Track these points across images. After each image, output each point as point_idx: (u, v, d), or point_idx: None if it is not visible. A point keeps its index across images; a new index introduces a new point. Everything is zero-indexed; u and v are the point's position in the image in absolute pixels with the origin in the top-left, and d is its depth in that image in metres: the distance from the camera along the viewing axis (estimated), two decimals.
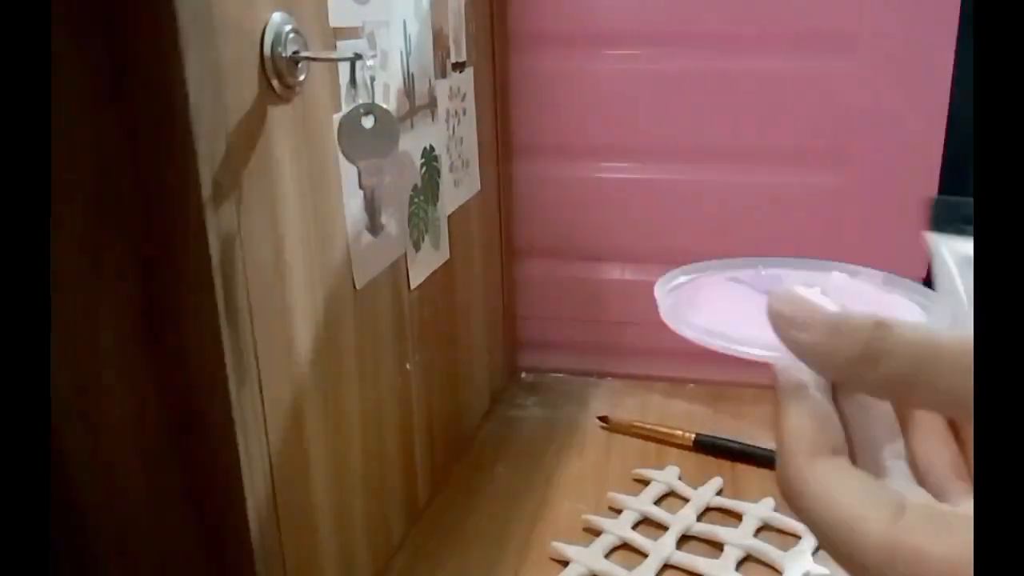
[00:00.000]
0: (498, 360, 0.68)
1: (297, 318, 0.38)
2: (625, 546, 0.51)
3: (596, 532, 0.52)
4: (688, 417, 0.67)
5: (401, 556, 0.51)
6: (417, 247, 0.51)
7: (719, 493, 0.56)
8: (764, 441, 0.60)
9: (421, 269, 0.52)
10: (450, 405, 0.60)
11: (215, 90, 0.31)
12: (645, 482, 0.57)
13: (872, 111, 0.62)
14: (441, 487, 0.58)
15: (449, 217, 0.56)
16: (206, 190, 0.31)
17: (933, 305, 0.28)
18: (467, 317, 0.62)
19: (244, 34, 0.33)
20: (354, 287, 0.43)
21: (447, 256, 0.56)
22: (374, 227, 0.40)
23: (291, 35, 0.35)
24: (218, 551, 0.36)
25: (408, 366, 0.51)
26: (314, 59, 0.37)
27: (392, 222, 0.47)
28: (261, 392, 0.35)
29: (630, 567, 0.49)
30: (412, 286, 0.51)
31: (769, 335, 0.23)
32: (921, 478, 0.25)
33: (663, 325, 0.28)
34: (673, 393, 0.71)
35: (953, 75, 0.61)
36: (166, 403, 0.34)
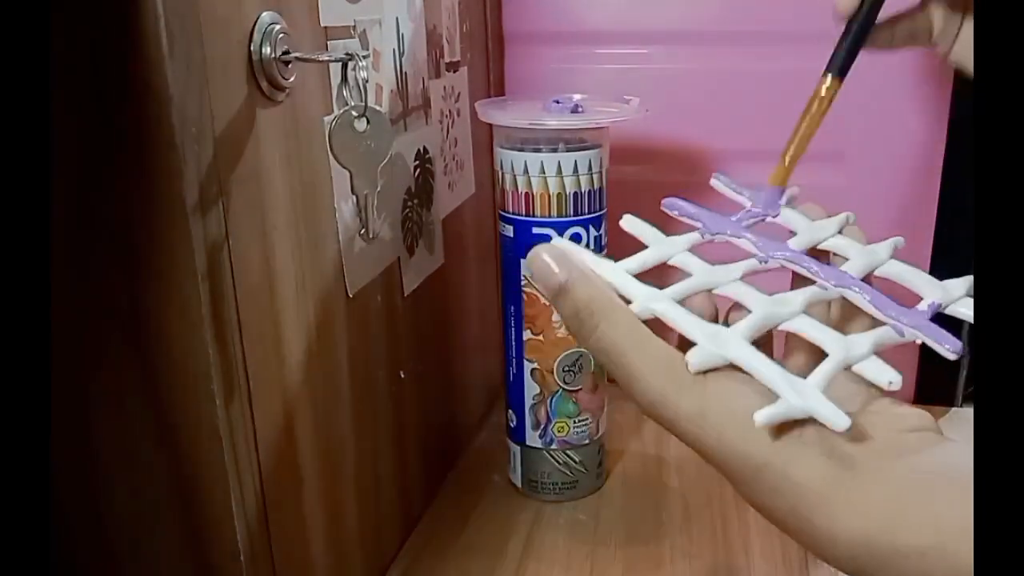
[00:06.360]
0: (494, 367, 0.66)
1: (288, 327, 0.37)
2: None
3: None
4: None
5: (396, 567, 0.50)
6: (411, 252, 0.50)
7: None
8: None
9: (415, 275, 0.51)
10: (445, 413, 0.59)
11: (200, 92, 0.30)
12: None
13: (872, 111, 0.62)
14: (436, 496, 0.57)
15: (443, 221, 0.55)
16: (191, 196, 0.30)
17: None
18: (462, 323, 0.61)
19: (231, 34, 0.32)
20: (347, 294, 0.42)
21: (441, 261, 0.55)
22: (367, 232, 0.39)
23: (280, 35, 0.34)
24: (206, 569, 0.35)
25: (402, 374, 0.50)
26: (304, 60, 0.35)
27: (385, 227, 0.46)
28: (251, 405, 0.34)
29: None
30: (406, 292, 0.49)
31: None
32: None
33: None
34: None
35: (954, 74, 0.60)
36: (152, 417, 0.33)
